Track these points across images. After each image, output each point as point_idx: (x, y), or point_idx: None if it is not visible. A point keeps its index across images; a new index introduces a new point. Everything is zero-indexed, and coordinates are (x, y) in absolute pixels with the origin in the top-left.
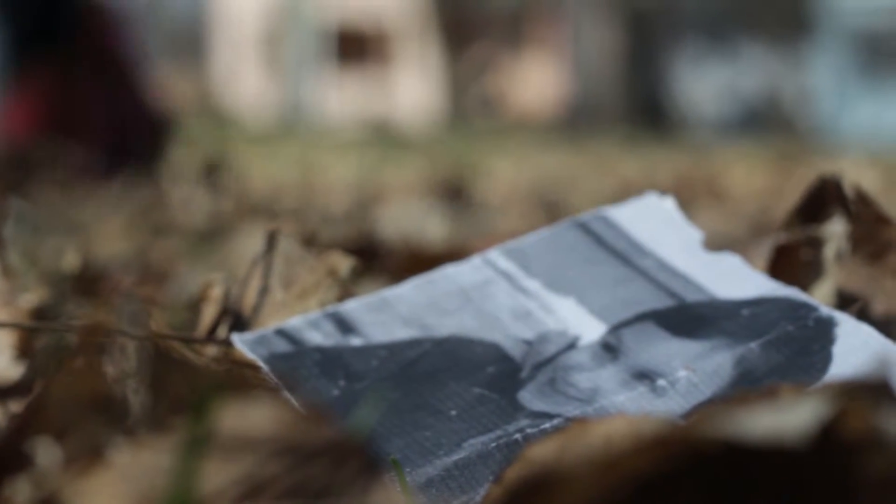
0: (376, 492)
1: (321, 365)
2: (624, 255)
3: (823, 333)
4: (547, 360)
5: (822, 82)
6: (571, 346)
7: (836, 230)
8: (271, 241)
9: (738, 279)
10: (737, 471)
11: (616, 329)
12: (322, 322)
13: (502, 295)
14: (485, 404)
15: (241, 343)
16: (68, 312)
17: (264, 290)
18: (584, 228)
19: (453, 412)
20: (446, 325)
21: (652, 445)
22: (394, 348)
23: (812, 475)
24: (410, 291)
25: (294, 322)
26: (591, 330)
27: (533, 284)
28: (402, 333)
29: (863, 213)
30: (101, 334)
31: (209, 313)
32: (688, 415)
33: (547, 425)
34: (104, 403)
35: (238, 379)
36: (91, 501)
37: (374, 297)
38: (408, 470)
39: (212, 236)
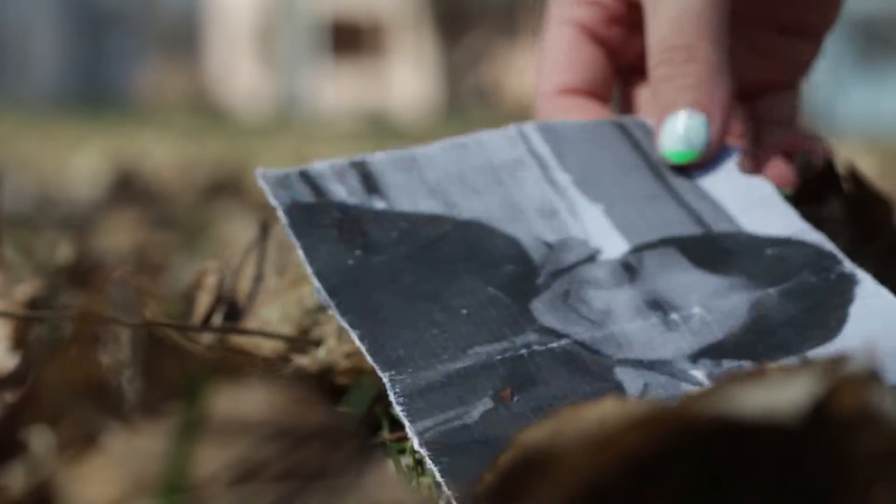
0: (370, 474)
1: (340, 227)
2: (657, 167)
3: (844, 291)
4: (564, 270)
5: (818, 68)
6: (591, 258)
7: (831, 211)
8: (265, 228)
9: (768, 212)
10: (730, 448)
11: (638, 250)
12: (348, 173)
13: (531, 184)
14: (496, 308)
15: (264, 181)
16: (63, 302)
17: (258, 278)
18: (623, 129)
19: (464, 311)
20: (471, 208)
21: (644, 423)
22: (415, 221)
23: (805, 452)
24: (440, 153)
25: (319, 167)
26: (613, 245)
27: (564, 178)
28: (425, 206)
29: (857, 193)
30: (95, 322)
31: (203, 301)
32: (694, 355)
33: (554, 345)
34: (98, 390)
35: (231, 363)
36: (85, 487)
37: (404, 153)
38: (410, 370)
39: None
